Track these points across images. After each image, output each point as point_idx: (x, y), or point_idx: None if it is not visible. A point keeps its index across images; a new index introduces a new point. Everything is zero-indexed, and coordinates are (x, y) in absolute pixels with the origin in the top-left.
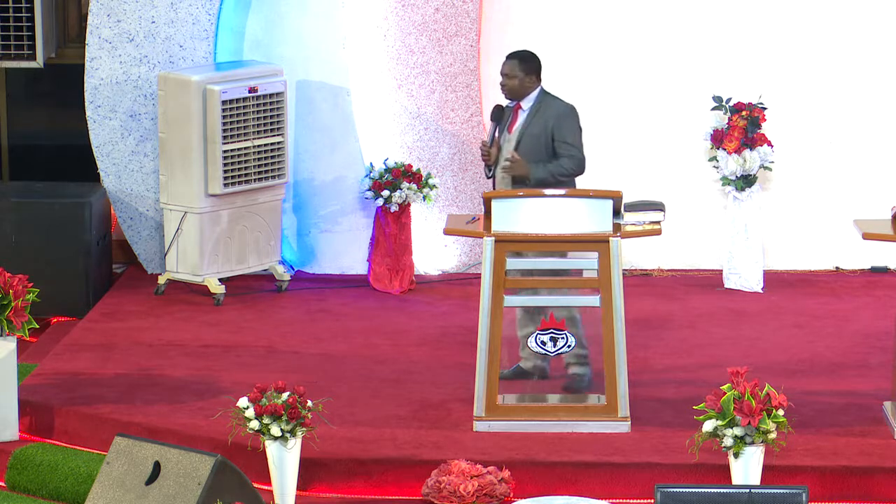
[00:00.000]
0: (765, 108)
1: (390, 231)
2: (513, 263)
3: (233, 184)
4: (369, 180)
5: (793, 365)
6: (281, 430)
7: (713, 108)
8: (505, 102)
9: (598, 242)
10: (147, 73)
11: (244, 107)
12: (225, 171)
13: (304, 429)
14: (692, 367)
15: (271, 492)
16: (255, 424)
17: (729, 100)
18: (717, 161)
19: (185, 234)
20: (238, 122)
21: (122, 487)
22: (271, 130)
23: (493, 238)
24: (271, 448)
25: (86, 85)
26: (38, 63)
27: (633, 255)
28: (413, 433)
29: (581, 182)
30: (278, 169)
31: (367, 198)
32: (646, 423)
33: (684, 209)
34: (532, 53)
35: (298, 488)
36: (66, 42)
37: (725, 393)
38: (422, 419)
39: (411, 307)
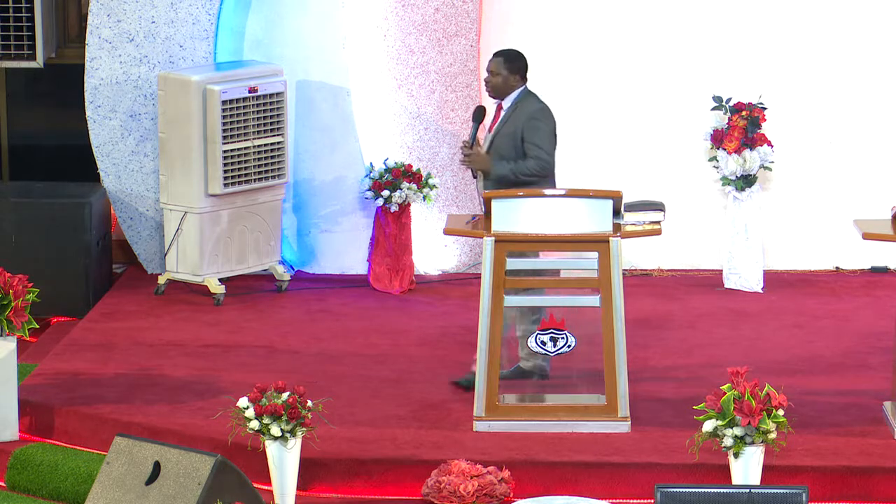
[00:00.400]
0: (765, 108)
1: (390, 231)
2: (513, 263)
3: (233, 184)
4: (369, 180)
5: (793, 365)
6: (281, 430)
7: (713, 108)
8: (490, 102)
9: (598, 242)
10: (147, 73)
11: (244, 107)
12: (225, 171)
13: (304, 429)
14: (692, 367)
15: (271, 492)
16: (255, 424)
17: (729, 100)
18: (717, 161)
19: (185, 234)
20: (238, 122)
21: (122, 487)
22: (271, 130)
23: (493, 238)
24: (271, 448)
25: (86, 85)
26: (38, 63)
27: (633, 255)
28: (413, 433)
29: (581, 182)
30: (278, 169)
31: (367, 198)
32: (646, 423)
33: (684, 209)
34: (518, 53)
35: (298, 488)
36: (66, 42)
37: (725, 393)
38: (422, 419)
39: (411, 307)
